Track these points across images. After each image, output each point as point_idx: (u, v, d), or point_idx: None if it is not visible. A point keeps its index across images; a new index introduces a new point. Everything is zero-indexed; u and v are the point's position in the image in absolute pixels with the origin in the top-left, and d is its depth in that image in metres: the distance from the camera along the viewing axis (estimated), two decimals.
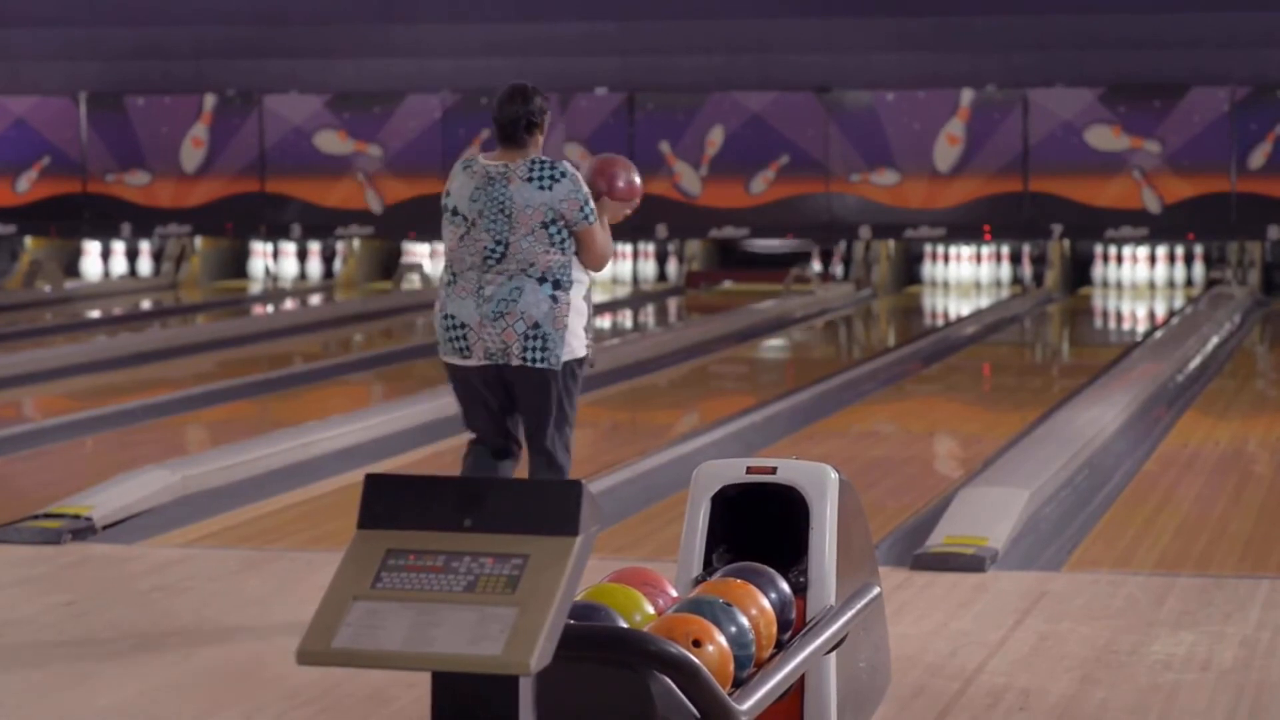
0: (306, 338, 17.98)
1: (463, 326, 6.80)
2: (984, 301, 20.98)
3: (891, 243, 21.99)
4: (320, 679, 6.14)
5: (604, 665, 4.36)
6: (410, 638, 3.87)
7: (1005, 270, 22.26)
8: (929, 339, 17.36)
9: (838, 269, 22.44)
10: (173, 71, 23.15)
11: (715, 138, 21.85)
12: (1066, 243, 21.80)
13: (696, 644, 4.55)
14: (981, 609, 7.13)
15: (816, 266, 22.22)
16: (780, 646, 5.02)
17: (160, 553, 8.22)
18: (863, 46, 21.87)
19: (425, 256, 23.40)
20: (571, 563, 3.94)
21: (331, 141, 22.60)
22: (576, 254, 6.84)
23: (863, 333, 19.27)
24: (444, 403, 12.12)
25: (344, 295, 22.19)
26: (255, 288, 23.15)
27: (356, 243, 23.11)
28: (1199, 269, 21.91)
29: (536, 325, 6.75)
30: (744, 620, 4.76)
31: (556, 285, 6.78)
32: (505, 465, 7.06)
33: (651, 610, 4.83)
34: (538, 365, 6.79)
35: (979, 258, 22.32)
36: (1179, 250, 21.90)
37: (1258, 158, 20.84)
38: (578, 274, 6.86)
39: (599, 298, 6.83)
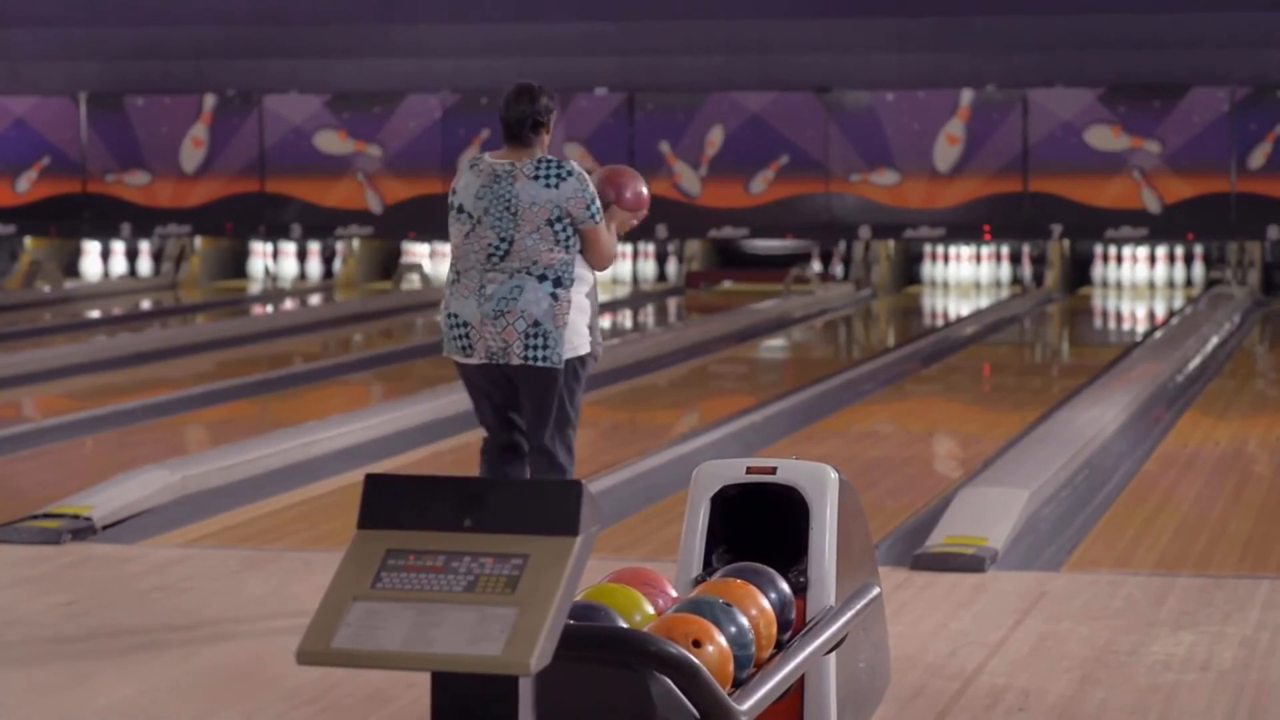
0: (306, 338, 17.98)
1: (465, 325, 6.83)
2: (984, 301, 20.98)
3: (891, 243, 21.99)
4: (320, 679, 6.14)
5: (604, 665, 4.36)
6: (410, 638, 3.87)
7: (1005, 270, 22.27)
8: (929, 339, 17.36)
9: (837, 269, 22.45)
10: (173, 71, 23.16)
11: (715, 138, 21.85)
12: (1066, 243, 21.81)
13: (696, 644, 4.55)
14: (981, 609, 7.13)
15: (816, 266, 22.22)
16: (780, 647, 5.02)
17: (160, 553, 8.22)
18: (863, 46, 21.87)
19: (425, 256, 23.40)
20: (571, 563, 3.94)
21: (331, 141, 22.60)
22: (582, 253, 6.87)
23: (862, 333, 19.27)
24: (444, 403, 12.15)
25: (344, 295, 22.19)
26: (255, 288, 23.15)
27: (356, 243, 23.12)
28: (1199, 269, 21.92)
29: (537, 323, 6.77)
30: (744, 620, 4.76)
31: (557, 283, 6.79)
32: (516, 466, 7.06)
33: (651, 610, 4.83)
34: (539, 364, 6.79)
35: (979, 258, 22.32)
36: (1179, 250, 21.91)
37: (1257, 158, 20.84)
38: (581, 271, 6.87)
39: (599, 298, 6.80)
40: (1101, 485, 9.83)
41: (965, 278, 22.29)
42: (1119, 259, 22.00)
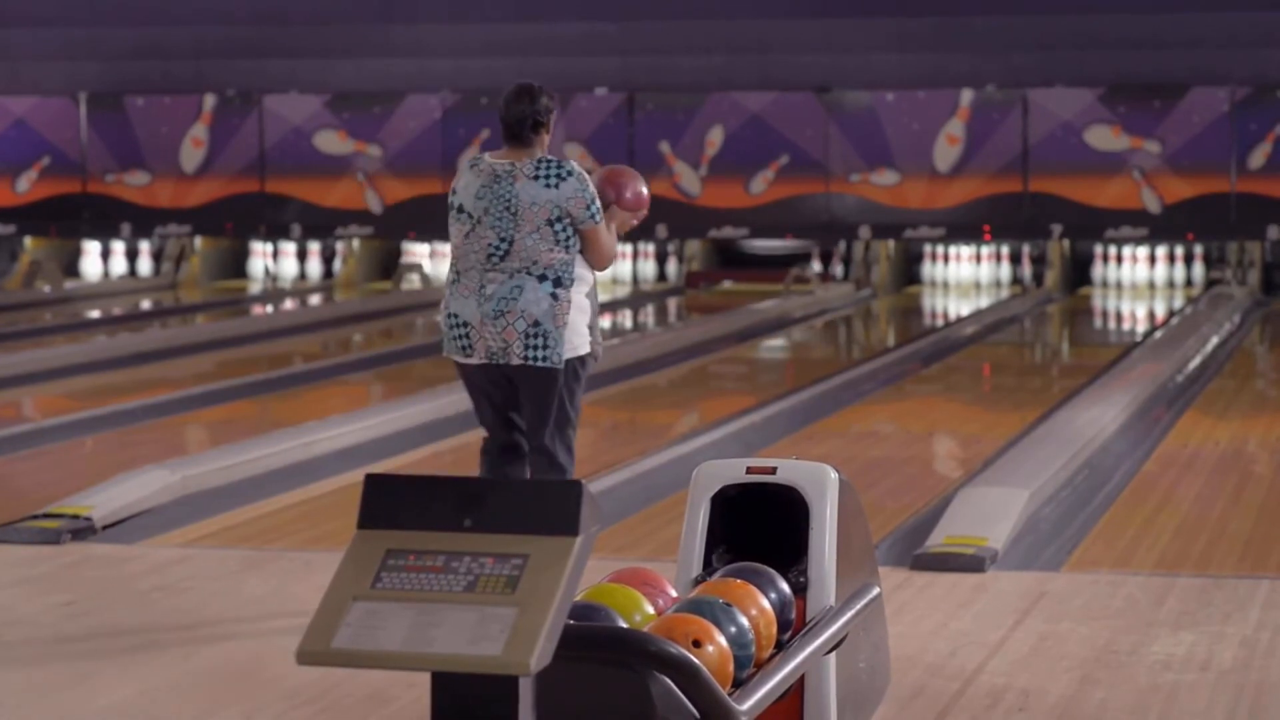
0: (306, 338, 17.98)
1: (465, 325, 6.83)
2: (984, 301, 20.98)
3: (891, 243, 21.99)
4: (320, 679, 6.14)
5: (604, 665, 4.36)
6: (410, 638, 3.87)
7: (1005, 270, 22.27)
8: (929, 339, 17.36)
9: (837, 269, 22.45)
10: (173, 71, 23.16)
11: (715, 138, 21.85)
12: (1066, 243, 21.81)
13: (696, 644, 4.55)
14: (981, 609, 7.13)
15: (816, 266, 22.22)
16: (780, 647, 5.02)
17: (160, 553, 8.22)
18: (863, 46, 21.87)
19: (425, 256, 23.40)
20: (571, 563, 3.94)
21: (331, 141, 22.60)
22: (582, 253, 6.88)
23: (862, 333, 19.27)
24: (444, 403, 12.15)
25: (344, 295, 22.19)
26: (255, 288, 23.15)
27: (356, 243, 23.12)
28: (1199, 269, 21.92)
29: (537, 323, 6.77)
30: (744, 620, 4.76)
31: (557, 283, 6.80)
32: (517, 466, 7.06)
33: (651, 610, 4.83)
34: (539, 364, 6.80)
35: (979, 258, 22.33)
36: (1179, 250, 21.91)
37: (1257, 158, 20.84)
38: (581, 271, 6.88)
39: (599, 298, 6.81)
40: (1101, 485, 9.83)
41: (965, 278, 22.29)
42: (1119, 259, 22.00)
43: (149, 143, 22.97)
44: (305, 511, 9.26)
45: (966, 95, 21.31)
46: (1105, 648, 6.58)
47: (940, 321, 19.78)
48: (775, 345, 17.59)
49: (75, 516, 8.57)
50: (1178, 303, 20.52)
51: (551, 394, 6.85)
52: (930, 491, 9.62)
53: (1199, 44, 21.12)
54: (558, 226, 6.79)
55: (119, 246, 23.77)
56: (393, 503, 4.10)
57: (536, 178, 6.80)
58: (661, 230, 21.80)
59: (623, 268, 22.69)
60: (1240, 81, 20.88)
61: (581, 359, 6.93)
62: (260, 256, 23.63)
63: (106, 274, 23.82)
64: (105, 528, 8.62)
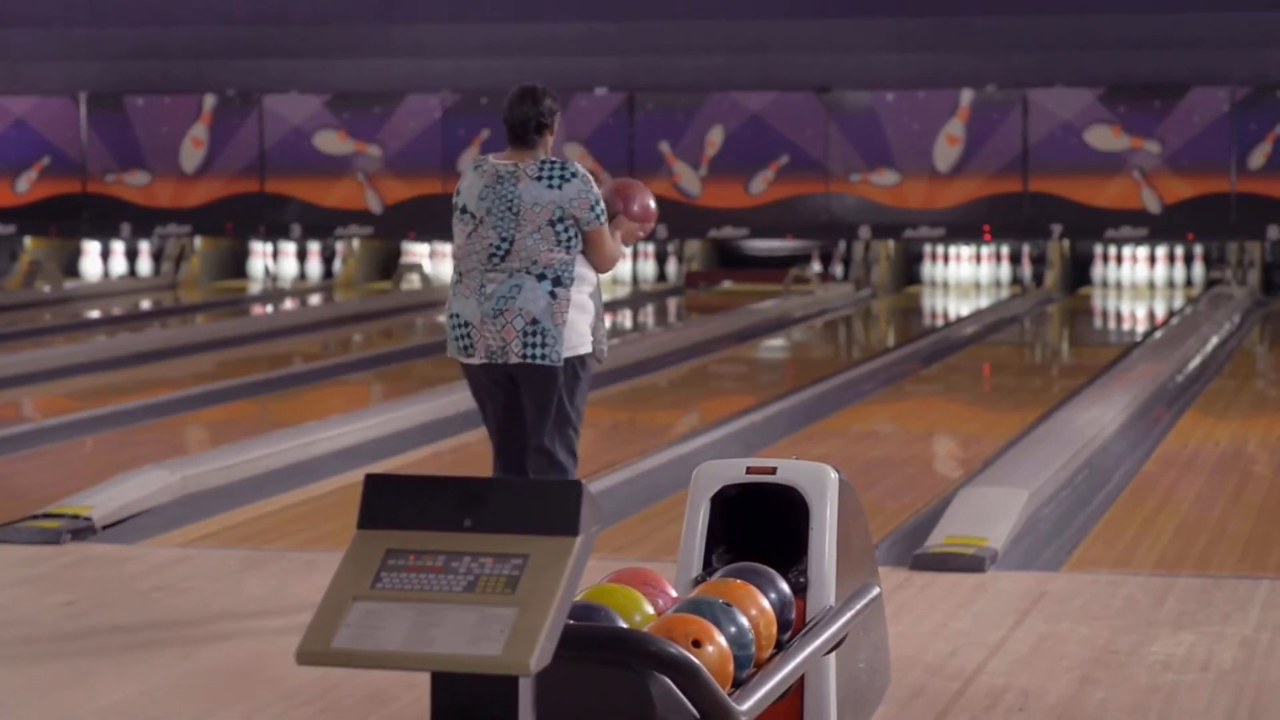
0: (306, 338, 17.98)
1: (466, 325, 6.87)
2: (984, 301, 20.99)
3: (891, 243, 21.99)
4: (320, 679, 6.14)
5: (604, 665, 4.36)
6: (410, 638, 3.87)
7: (1005, 270, 22.27)
8: (929, 339, 17.36)
9: (837, 269, 22.45)
10: (173, 71, 23.16)
11: (715, 138, 21.85)
12: (1066, 243, 21.81)
13: (696, 644, 4.55)
14: (981, 609, 7.13)
15: (816, 267, 22.22)
16: (780, 647, 5.02)
17: (160, 553, 8.22)
18: (863, 46, 21.87)
19: (425, 256, 23.40)
20: (571, 563, 3.94)
21: (331, 141, 22.60)
22: (586, 255, 6.90)
23: (862, 333, 19.27)
24: (444, 403, 12.15)
25: (344, 295, 22.19)
26: (255, 288, 23.15)
27: (356, 243, 23.12)
28: (1199, 269, 21.92)
29: (535, 321, 6.79)
30: (744, 620, 4.76)
31: (556, 282, 6.82)
32: (522, 468, 7.06)
33: (651, 610, 4.83)
34: (537, 361, 6.81)
35: (979, 258, 22.33)
36: (1179, 250, 21.91)
37: (1257, 158, 20.84)
38: (583, 271, 6.90)
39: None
40: (1101, 485, 9.83)
41: (965, 278, 22.30)
42: (1119, 259, 22.00)
43: (149, 143, 22.98)
44: (305, 511, 9.26)
45: (966, 95, 21.31)
46: (1105, 648, 6.58)
47: (940, 321, 19.78)
48: (775, 345, 17.59)
49: (75, 516, 8.57)
50: (1178, 303, 20.52)
51: (551, 392, 6.86)
52: (930, 491, 9.62)
53: (1199, 44, 21.13)
54: (559, 227, 6.82)
55: (119, 246, 23.77)
56: (393, 503, 4.10)
57: (540, 179, 6.84)
58: (661, 230, 21.79)
59: (623, 268, 22.69)
60: (1240, 81, 20.88)
61: (582, 359, 6.93)
62: (260, 256, 23.63)
63: (106, 274, 23.82)
64: (105, 528, 8.62)
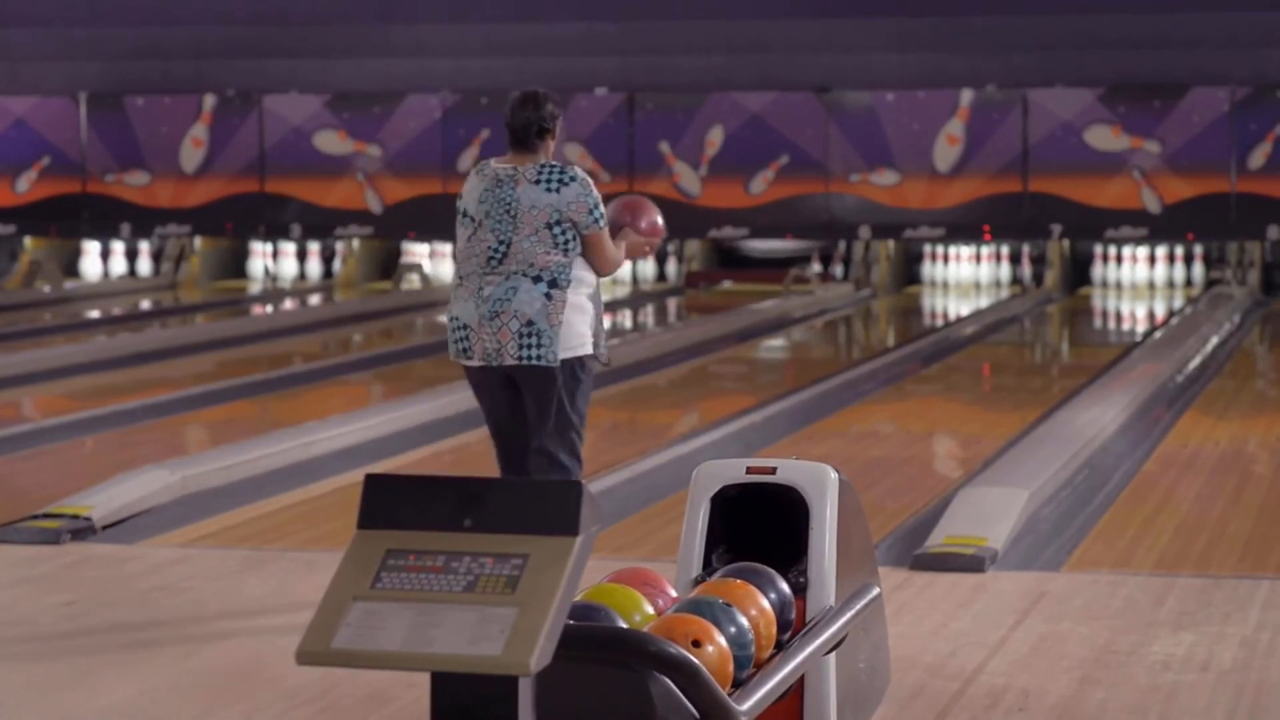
0: (306, 338, 17.98)
1: (465, 328, 6.90)
2: (984, 301, 20.99)
3: (891, 243, 21.99)
4: (320, 679, 6.14)
5: (604, 665, 4.36)
6: (410, 638, 3.87)
7: (1005, 270, 22.27)
8: (929, 339, 17.36)
9: (837, 269, 22.45)
10: (173, 71, 23.16)
11: (715, 138, 21.85)
12: (1066, 243, 21.81)
13: (696, 644, 4.55)
14: (981, 609, 7.13)
15: (816, 267, 22.22)
16: (780, 647, 5.02)
17: (160, 553, 8.23)
18: (863, 46, 21.87)
19: (425, 256, 23.41)
20: (571, 563, 3.94)
21: (331, 141, 22.61)
22: (586, 258, 6.92)
23: (862, 333, 19.27)
24: (444, 403, 12.15)
25: (343, 295, 22.19)
26: (255, 288, 23.16)
27: (356, 243, 23.12)
28: (1199, 269, 21.93)
29: (530, 323, 6.81)
30: (744, 620, 4.76)
31: (553, 284, 6.84)
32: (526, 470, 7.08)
33: (651, 610, 4.83)
34: (534, 363, 6.82)
35: (979, 258, 22.33)
36: (1179, 250, 21.91)
37: (1257, 158, 20.84)
38: (582, 273, 6.92)
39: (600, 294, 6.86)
40: (1101, 485, 9.83)
41: (965, 278, 22.30)
42: (1119, 259, 22.00)
43: (149, 143, 22.98)
44: (305, 511, 9.26)
45: (966, 95, 21.31)
46: (1105, 648, 6.58)
47: (940, 321, 19.78)
48: (775, 345, 17.59)
49: (75, 516, 8.57)
50: (1178, 303, 20.52)
51: (549, 393, 6.87)
52: (930, 491, 9.62)
53: (1199, 44, 21.13)
54: (557, 230, 6.85)
55: (119, 246, 23.77)
56: (393, 503, 4.10)
57: (538, 182, 6.87)
58: None
59: (623, 268, 22.67)
60: (1240, 81, 20.88)
61: (581, 360, 6.94)
62: (260, 256, 23.63)
63: (106, 274, 23.83)
64: (105, 528, 8.62)
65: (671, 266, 22.94)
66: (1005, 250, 22.27)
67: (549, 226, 6.85)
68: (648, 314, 20.44)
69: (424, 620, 3.89)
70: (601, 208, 6.93)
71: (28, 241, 23.74)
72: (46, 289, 22.42)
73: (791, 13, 22.00)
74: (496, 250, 6.86)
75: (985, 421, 12.30)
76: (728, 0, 22.14)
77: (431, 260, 23.34)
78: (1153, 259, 21.91)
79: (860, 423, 12.30)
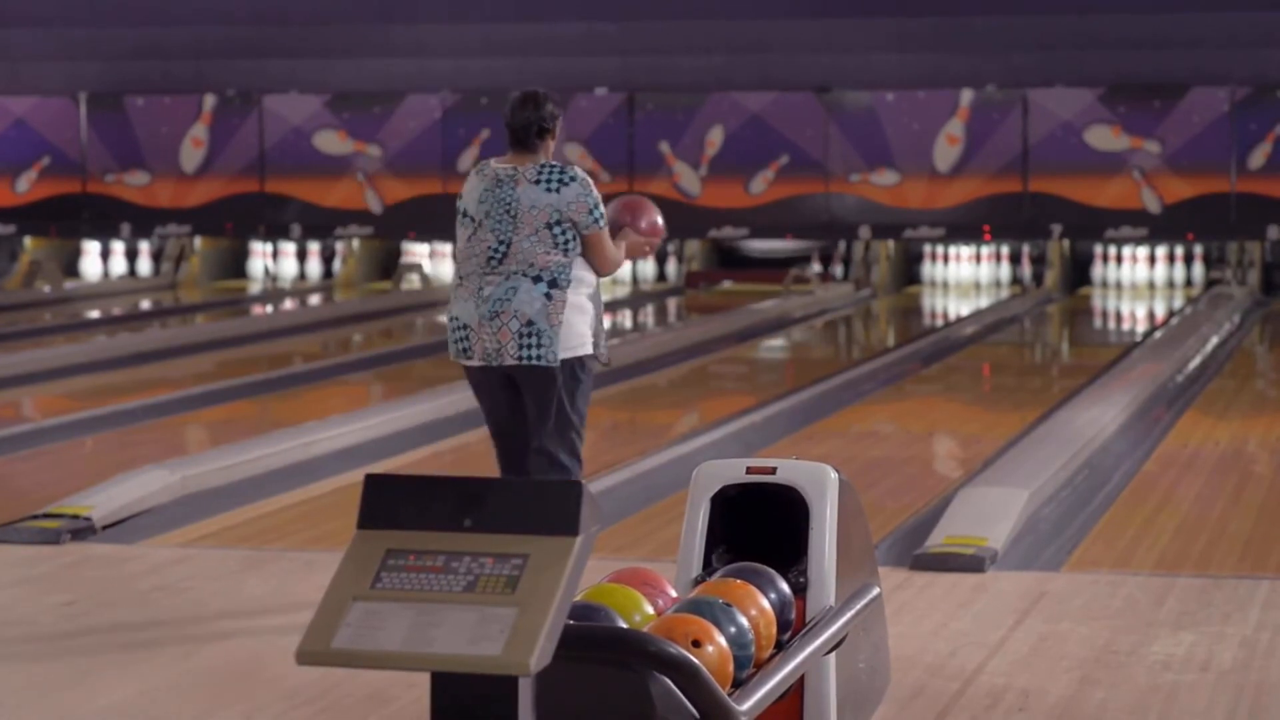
0: (306, 338, 17.98)
1: (465, 328, 6.91)
2: (984, 301, 20.99)
3: (891, 243, 21.99)
4: (320, 679, 6.14)
5: (604, 665, 4.36)
6: (410, 638, 3.87)
7: (1005, 270, 22.27)
8: (929, 339, 17.36)
9: (837, 269, 22.45)
10: (173, 71, 23.16)
11: (715, 138, 21.85)
12: (1066, 243, 21.81)
13: (696, 644, 4.55)
14: (981, 609, 7.13)
15: (816, 267, 22.22)
16: (780, 647, 5.02)
17: (160, 553, 8.23)
18: (863, 46, 21.87)
19: (425, 256, 23.41)
20: (571, 563, 3.94)
21: (331, 141, 22.61)
22: (586, 259, 6.93)
23: (862, 333, 19.27)
24: (444, 403, 12.15)
25: (343, 295, 22.19)
26: (255, 288, 23.16)
27: (356, 243, 23.12)
28: (1199, 269, 21.93)
29: (530, 323, 6.81)
30: (744, 620, 4.76)
31: (553, 284, 6.84)
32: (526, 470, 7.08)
33: (651, 610, 4.83)
34: (534, 363, 6.83)
35: (979, 258, 22.33)
36: (1179, 250, 21.91)
37: (1257, 158, 20.84)
38: (582, 273, 6.92)
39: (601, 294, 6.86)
40: (1101, 485, 9.83)
41: (965, 278, 22.30)
42: (1119, 259, 22.00)
43: (149, 143, 22.98)
44: (305, 511, 9.26)
45: (966, 95, 21.31)
46: (1105, 648, 6.58)
47: (940, 321, 19.78)
48: (775, 345, 17.59)
49: (75, 516, 8.57)
50: (1178, 303, 20.52)
51: (548, 393, 6.88)
52: (930, 491, 9.62)
53: (1199, 44, 21.13)
54: (556, 230, 6.85)
55: (119, 246, 23.77)
56: (393, 503, 4.10)
57: (538, 182, 6.88)
58: None
59: (623, 268, 22.68)
60: (1240, 81, 20.88)
61: (581, 361, 6.94)
62: (260, 256, 23.63)
63: (106, 274, 23.83)
64: (105, 528, 8.62)
65: (671, 266, 22.94)
66: (1005, 250, 22.28)
67: (549, 226, 6.86)
68: (648, 314, 20.44)
69: (424, 620, 3.89)
70: (602, 208, 6.95)
71: (28, 241, 23.74)
72: (46, 289, 22.42)
73: (791, 13, 22.00)
74: (496, 250, 6.87)
75: (985, 421, 12.30)
76: (728, 0, 22.14)
77: (431, 260, 23.34)
78: (1153, 259, 21.91)
79: (860, 423, 12.30)
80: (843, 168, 21.55)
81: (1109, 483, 9.91)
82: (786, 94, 21.69)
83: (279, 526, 8.89)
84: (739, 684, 4.68)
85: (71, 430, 11.85)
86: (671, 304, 21.26)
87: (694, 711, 4.36)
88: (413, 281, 22.61)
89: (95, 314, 20.38)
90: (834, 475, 5.48)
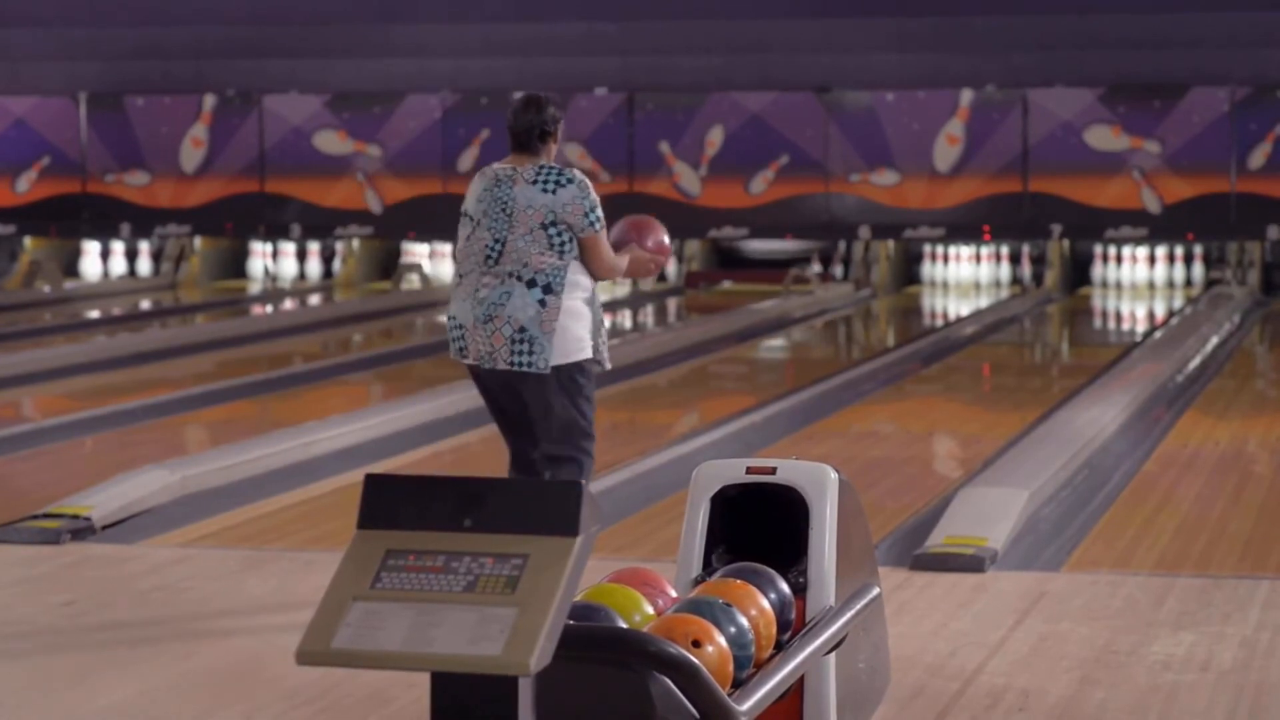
0: (306, 338, 17.98)
1: (461, 327, 6.96)
2: (983, 302, 20.99)
3: (891, 243, 21.99)
4: (320, 679, 6.14)
5: (604, 665, 4.36)
6: (410, 638, 3.87)
7: (1005, 270, 22.27)
8: (929, 339, 17.36)
9: (837, 269, 22.45)
10: (173, 71, 23.16)
11: (715, 138, 21.85)
12: (1066, 243, 21.81)
13: (696, 644, 4.55)
14: (981, 609, 7.13)
15: (816, 267, 22.22)
16: (780, 647, 5.02)
17: (160, 553, 8.23)
18: (863, 46, 21.87)
19: (425, 256, 23.40)
20: (571, 563, 3.94)
21: (331, 141, 22.61)
22: (584, 262, 6.94)
23: (862, 333, 19.27)
24: (444, 403, 12.15)
25: (343, 295, 22.19)
26: (255, 288, 23.16)
27: (356, 243, 23.12)
28: (1199, 269, 21.92)
29: (523, 329, 6.84)
30: (744, 621, 4.76)
31: (547, 290, 6.86)
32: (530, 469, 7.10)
33: (651, 610, 4.83)
34: (525, 369, 6.85)
35: (979, 258, 22.33)
36: (1179, 250, 21.91)
37: (1257, 158, 20.84)
38: (578, 278, 6.93)
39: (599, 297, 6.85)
40: (1101, 485, 9.83)
41: (965, 278, 22.30)
42: (1119, 259, 22.00)
43: (149, 143, 22.98)
44: (305, 511, 9.26)
45: (966, 95, 21.31)
46: (1105, 648, 6.58)
47: (940, 321, 19.78)
48: (775, 345, 17.59)
49: (75, 516, 8.57)
50: (1178, 303, 20.52)
51: (543, 399, 6.90)
52: (930, 491, 9.62)
53: (1199, 44, 21.13)
54: (551, 231, 6.88)
55: (119, 246, 23.77)
56: (393, 503, 4.10)
57: (535, 182, 6.91)
58: None
59: None
60: (1240, 81, 20.88)
61: (580, 365, 6.96)
62: (260, 256, 23.63)
63: (106, 274, 23.82)
64: (105, 528, 8.62)
65: (671, 266, 22.93)
66: (1005, 250, 22.28)
67: (544, 227, 6.87)
68: (648, 314, 20.44)
69: (424, 620, 3.89)
70: (599, 211, 6.96)
71: (28, 241, 23.74)
72: (46, 289, 22.42)
73: (791, 13, 22.00)
74: (493, 249, 6.90)
75: (985, 421, 12.30)
76: (728, 0, 22.14)
77: (431, 260, 23.34)
78: (1153, 259, 21.91)
79: (860, 423, 12.30)
80: (843, 168, 21.55)
81: (1109, 483, 9.91)
82: (786, 94, 21.69)
83: (279, 526, 8.89)
84: (739, 684, 4.68)
85: (71, 430, 11.85)
86: (671, 304, 21.26)
87: (694, 711, 4.36)
88: (412, 281, 22.61)
89: (95, 314, 20.38)
90: (834, 475, 5.48)
